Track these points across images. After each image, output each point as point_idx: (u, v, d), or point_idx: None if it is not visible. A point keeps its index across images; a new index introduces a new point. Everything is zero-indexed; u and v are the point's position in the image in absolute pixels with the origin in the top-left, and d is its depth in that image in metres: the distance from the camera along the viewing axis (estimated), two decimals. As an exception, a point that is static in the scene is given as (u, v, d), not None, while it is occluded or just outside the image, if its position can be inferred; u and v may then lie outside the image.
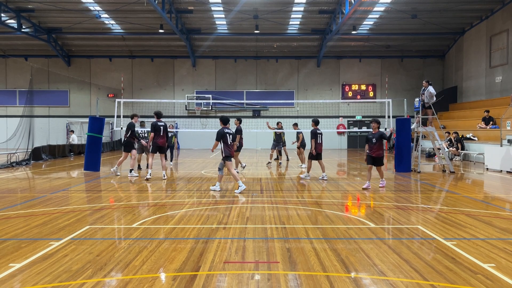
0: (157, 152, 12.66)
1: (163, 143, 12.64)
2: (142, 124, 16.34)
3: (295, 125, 17.21)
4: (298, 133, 16.64)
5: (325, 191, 10.50)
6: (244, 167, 15.74)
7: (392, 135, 11.18)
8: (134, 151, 13.86)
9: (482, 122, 21.00)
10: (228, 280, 4.32)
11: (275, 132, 17.98)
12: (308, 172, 13.09)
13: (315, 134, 12.70)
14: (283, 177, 13.67)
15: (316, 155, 12.70)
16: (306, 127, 15.91)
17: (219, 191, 10.26)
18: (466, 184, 12.25)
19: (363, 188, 10.62)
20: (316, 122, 13.07)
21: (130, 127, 13.52)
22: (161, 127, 12.57)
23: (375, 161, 10.80)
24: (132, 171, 13.61)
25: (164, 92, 32.16)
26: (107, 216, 7.37)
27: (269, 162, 17.85)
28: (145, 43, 30.87)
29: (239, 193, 9.90)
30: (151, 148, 12.74)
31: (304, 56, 32.06)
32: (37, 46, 30.57)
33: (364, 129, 30.12)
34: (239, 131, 14.39)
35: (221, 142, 10.24)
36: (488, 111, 21.06)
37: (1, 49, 31.53)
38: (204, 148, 28.76)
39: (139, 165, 15.38)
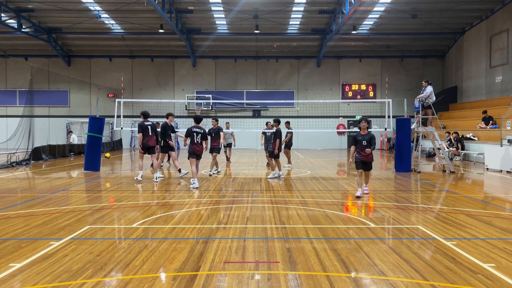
0: (146, 153, 12.54)
1: (153, 143, 12.54)
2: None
3: (287, 123, 17.32)
4: (288, 132, 16.76)
5: (325, 191, 10.50)
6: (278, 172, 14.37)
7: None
8: (173, 153, 13.55)
9: (482, 122, 21.02)
10: (228, 280, 4.32)
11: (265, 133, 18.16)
12: (279, 170, 13.17)
13: (280, 134, 12.95)
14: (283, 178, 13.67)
15: (278, 154, 13.03)
16: (306, 127, 15.87)
17: (197, 187, 10.80)
18: (466, 184, 12.25)
19: (357, 197, 9.35)
20: (278, 122, 13.40)
21: (165, 127, 13.07)
22: (149, 127, 12.41)
23: (366, 165, 9.54)
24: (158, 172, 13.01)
25: (164, 92, 32.16)
26: (107, 216, 7.37)
27: (268, 163, 17.72)
28: (145, 43, 30.87)
29: (194, 188, 10.70)
30: (143, 149, 12.57)
31: (304, 56, 32.05)
32: (37, 46, 30.57)
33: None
34: (218, 131, 14.23)
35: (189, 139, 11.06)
36: (485, 112, 21.08)
37: (1, 49, 31.53)
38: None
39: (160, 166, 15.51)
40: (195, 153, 11.07)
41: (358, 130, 9.58)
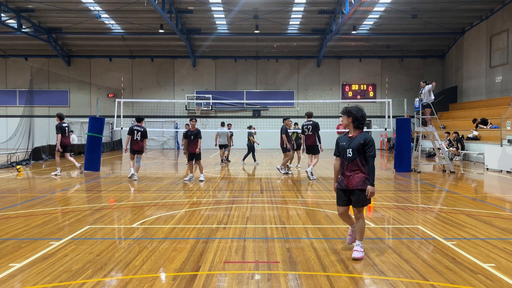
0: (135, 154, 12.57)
1: (138, 147, 12.42)
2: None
3: (296, 124, 17.35)
4: (294, 132, 16.78)
5: (325, 191, 10.50)
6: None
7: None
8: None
9: (479, 126, 20.99)
10: (228, 280, 4.32)
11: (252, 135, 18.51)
12: (201, 172, 12.60)
13: (318, 127, 12.99)
14: (282, 177, 13.66)
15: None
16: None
17: (133, 177, 12.40)
18: (466, 184, 12.25)
19: (353, 259, 4.95)
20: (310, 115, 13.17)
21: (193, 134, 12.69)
22: (135, 131, 12.40)
23: (352, 194, 5.10)
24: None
25: (164, 92, 32.16)
26: (107, 216, 7.37)
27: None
28: (145, 43, 30.88)
29: (133, 178, 12.40)
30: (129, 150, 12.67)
31: (304, 56, 32.06)
32: (37, 46, 30.57)
33: (364, 129, 30.06)
34: (197, 133, 13.00)
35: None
36: (475, 120, 21.19)
37: (1, 49, 31.53)
38: (204, 148, 28.73)
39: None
40: (133, 149, 12.41)
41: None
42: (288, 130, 14.43)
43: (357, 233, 5.11)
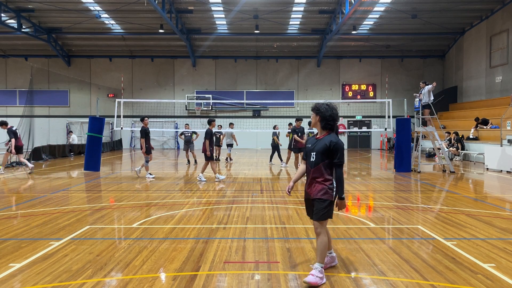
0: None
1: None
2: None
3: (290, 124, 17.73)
4: (289, 132, 17.15)
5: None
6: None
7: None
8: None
9: (479, 125, 21.00)
10: (228, 280, 4.33)
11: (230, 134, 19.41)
12: (202, 172, 12.57)
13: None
14: (281, 177, 13.67)
15: (210, 156, 12.25)
16: (305, 127, 15.79)
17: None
18: (466, 184, 12.25)
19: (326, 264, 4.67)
20: (209, 122, 12.57)
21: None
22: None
23: (313, 204, 4.43)
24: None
25: (164, 92, 32.16)
26: (107, 216, 7.37)
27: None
28: (145, 43, 30.87)
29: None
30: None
31: (304, 56, 32.05)
32: (37, 46, 30.57)
33: (364, 129, 30.17)
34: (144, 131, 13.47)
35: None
36: (477, 118, 21.19)
37: (1, 49, 31.53)
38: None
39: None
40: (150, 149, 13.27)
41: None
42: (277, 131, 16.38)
43: (317, 251, 4.34)
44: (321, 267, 4.25)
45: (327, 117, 4.38)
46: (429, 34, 28.76)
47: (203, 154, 12.26)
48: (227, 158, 19.45)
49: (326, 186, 4.33)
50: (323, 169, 4.35)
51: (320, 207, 4.31)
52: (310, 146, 4.47)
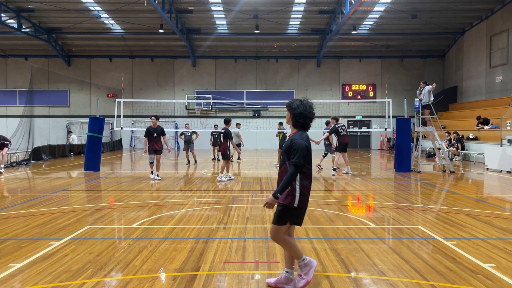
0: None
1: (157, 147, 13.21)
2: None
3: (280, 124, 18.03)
4: (279, 132, 17.38)
5: (325, 191, 10.50)
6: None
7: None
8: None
9: (480, 125, 21.02)
10: (228, 280, 4.32)
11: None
12: (221, 172, 12.52)
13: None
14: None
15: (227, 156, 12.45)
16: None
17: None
18: (466, 184, 12.25)
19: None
20: (226, 121, 12.63)
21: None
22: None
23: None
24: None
25: (164, 92, 32.15)
26: (107, 216, 7.37)
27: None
28: (145, 43, 30.87)
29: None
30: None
31: (304, 56, 32.05)
32: (37, 46, 30.56)
33: (364, 129, 30.17)
34: (161, 131, 13.58)
35: None
36: (480, 117, 21.20)
37: (1, 49, 31.52)
38: (204, 148, 28.72)
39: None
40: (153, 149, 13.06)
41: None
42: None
43: (285, 258, 4.20)
44: (291, 272, 4.12)
45: (297, 114, 4.08)
46: (429, 34, 28.75)
47: (221, 154, 12.49)
48: (238, 157, 19.85)
49: (290, 189, 3.98)
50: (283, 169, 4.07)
51: (277, 209, 4.06)
52: (284, 145, 4.15)
